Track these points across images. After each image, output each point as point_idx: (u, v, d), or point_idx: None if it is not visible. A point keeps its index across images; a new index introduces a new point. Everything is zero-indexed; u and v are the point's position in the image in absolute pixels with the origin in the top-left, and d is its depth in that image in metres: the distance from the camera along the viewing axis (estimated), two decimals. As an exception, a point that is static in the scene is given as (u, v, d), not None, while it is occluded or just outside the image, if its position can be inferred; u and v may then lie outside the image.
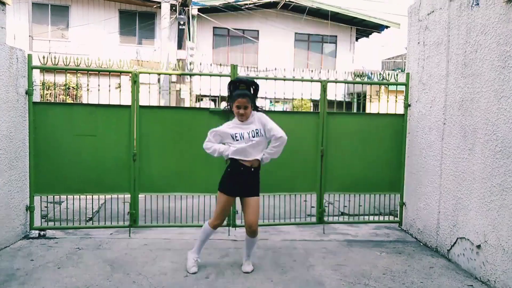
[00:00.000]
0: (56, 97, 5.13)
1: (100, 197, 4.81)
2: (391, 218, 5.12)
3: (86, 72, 4.28)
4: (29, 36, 9.57)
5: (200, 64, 4.58)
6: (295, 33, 17.81)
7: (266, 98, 5.14)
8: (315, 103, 13.22)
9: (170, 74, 4.63)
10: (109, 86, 4.27)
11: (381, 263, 3.70)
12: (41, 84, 4.32)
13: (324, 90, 4.62)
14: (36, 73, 4.24)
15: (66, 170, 4.21)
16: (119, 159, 4.28)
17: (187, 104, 12.85)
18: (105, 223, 4.50)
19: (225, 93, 4.64)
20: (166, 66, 4.25)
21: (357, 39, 19.19)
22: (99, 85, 4.26)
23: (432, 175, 4.16)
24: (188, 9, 13.83)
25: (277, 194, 4.62)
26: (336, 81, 4.64)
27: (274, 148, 3.24)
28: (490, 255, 3.23)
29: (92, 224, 4.62)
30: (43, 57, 4.18)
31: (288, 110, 11.52)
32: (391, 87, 5.03)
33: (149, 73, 4.43)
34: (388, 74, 4.86)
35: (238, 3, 15.48)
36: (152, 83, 4.43)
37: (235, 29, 17.09)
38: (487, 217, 3.28)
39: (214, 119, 4.34)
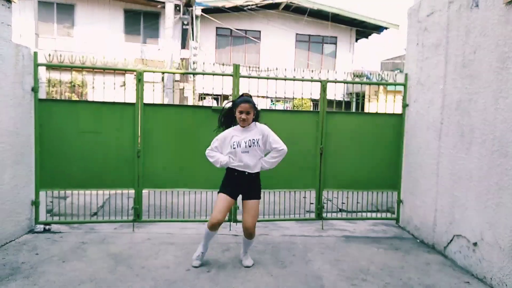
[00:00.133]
0: (62, 94, 5.21)
1: (104, 193, 4.87)
2: (389, 215, 5.19)
3: (92, 70, 4.36)
4: (35, 34, 9.63)
5: (203, 63, 4.66)
6: (296, 33, 17.89)
7: (267, 97, 5.22)
8: (315, 102, 13.28)
9: (174, 73, 4.70)
10: (114, 84, 4.34)
11: (378, 259, 3.76)
12: (46, 82, 4.39)
13: (324, 89, 4.70)
14: (42, 70, 4.31)
15: (71, 165, 4.29)
16: (123, 156, 4.36)
17: (190, 103, 12.93)
18: (109, 218, 4.58)
19: (227, 92, 4.73)
20: (170, 65, 4.32)
21: (356, 40, 19.25)
22: (104, 83, 4.34)
23: (429, 174, 4.23)
24: (192, 9, 13.91)
25: (277, 190, 4.69)
26: (335, 81, 4.72)
27: (273, 159, 3.36)
28: (486, 252, 3.29)
29: (97, 218, 4.69)
30: (49, 55, 4.26)
31: (288, 109, 11.60)
32: (390, 88, 5.11)
33: (154, 72, 4.50)
34: (387, 75, 4.93)
35: (241, 4, 15.55)
36: (156, 81, 4.50)
37: (237, 29, 17.17)
38: (483, 215, 3.34)
39: (216, 117, 4.40)
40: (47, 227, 4.30)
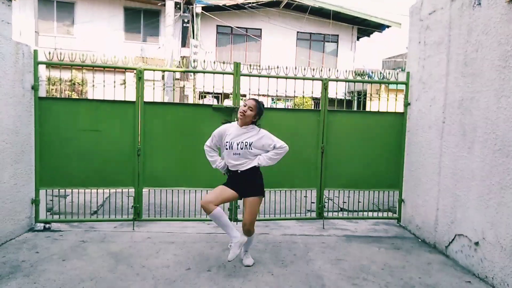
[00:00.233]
0: (62, 92, 5.19)
1: (104, 191, 4.87)
2: (390, 214, 5.17)
3: (92, 68, 4.34)
4: (35, 32, 9.60)
5: (204, 61, 4.63)
6: (297, 32, 17.87)
7: (268, 95, 5.19)
8: (316, 101, 13.26)
9: (174, 71, 4.68)
10: (114, 82, 4.33)
11: (379, 259, 3.75)
12: (46, 80, 4.38)
13: (325, 88, 4.68)
14: (42, 68, 4.30)
15: (71, 164, 4.27)
16: (123, 154, 4.35)
17: (190, 101, 12.92)
18: (109, 217, 4.57)
19: (227, 90, 4.71)
20: (170, 63, 4.29)
21: (358, 38, 19.22)
22: (104, 81, 4.32)
23: (431, 173, 4.21)
24: (192, 7, 13.88)
25: (278, 189, 4.68)
26: (337, 80, 4.69)
27: (275, 155, 3.33)
28: (488, 252, 3.28)
29: (97, 217, 4.68)
30: (49, 53, 4.24)
31: (289, 107, 11.58)
32: (391, 86, 5.09)
33: (154, 70, 4.49)
34: (389, 73, 4.91)
35: (242, 2, 15.51)
36: (156, 79, 4.49)
37: (238, 27, 17.14)
38: (485, 214, 3.33)
39: (217, 115, 4.41)
40: (47, 225, 4.29)
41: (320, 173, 4.69)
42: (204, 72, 4.53)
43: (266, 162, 3.32)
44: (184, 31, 12.79)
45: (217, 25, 17.16)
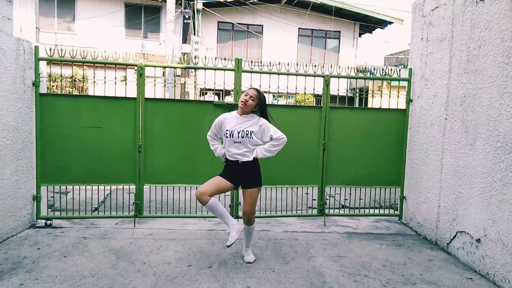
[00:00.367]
0: (63, 89, 5.19)
1: (105, 188, 4.87)
2: (391, 211, 5.17)
3: (93, 64, 4.33)
4: (36, 28, 9.60)
5: (205, 58, 4.61)
6: (299, 28, 17.80)
7: (269, 92, 5.18)
8: (318, 98, 13.22)
9: (175, 68, 4.66)
10: (115, 78, 4.32)
11: (380, 255, 3.75)
12: (47, 76, 4.37)
13: (327, 84, 4.66)
14: (42, 65, 4.29)
15: (72, 161, 4.27)
16: (124, 151, 4.34)
17: (191, 98, 12.90)
18: (110, 213, 4.58)
19: (229, 87, 4.69)
20: (171, 60, 4.28)
21: (360, 34, 19.15)
22: (105, 78, 4.31)
23: (433, 170, 4.20)
24: (193, 3, 13.83)
25: (279, 186, 4.68)
26: (339, 76, 4.67)
27: (274, 147, 3.30)
28: (489, 249, 3.27)
29: (98, 214, 4.69)
30: (50, 49, 4.23)
31: (291, 104, 11.56)
32: (393, 83, 5.07)
33: (155, 66, 4.47)
34: (391, 70, 4.89)
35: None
36: (157, 76, 4.47)
37: (239, 23, 17.09)
38: (487, 211, 3.32)
39: (218, 112, 4.39)
40: (48, 222, 4.30)
41: (322, 170, 4.69)
42: (205, 69, 4.52)
43: (263, 154, 3.29)
44: (185, 27, 12.75)
45: (218, 22, 17.11)
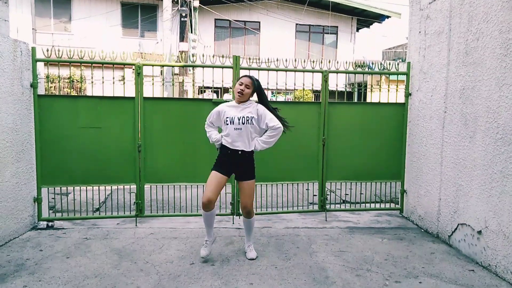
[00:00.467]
0: (61, 90, 5.18)
1: (106, 188, 4.87)
2: (392, 205, 5.18)
3: (90, 64, 4.32)
4: (32, 29, 9.57)
5: (203, 55, 4.60)
6: (296, 24, 17.75)
7: (268, 89, 5.17)
8: (316, 93, 13.23)
9: (173, 66, 4.65)
10: (113, 78, 4.31)
11: (382, 249, 3.76)
12: (45, 77, 4.36)
13: (325, 80, 4.65)
14: (40, 66, 4.27)
15: (72, 162, 4.27)
16: (124, 151, 4.34)
17: (190, 96, 12.88)
18: (111, 213, 4.58)
19: (227, 84, 4.68)
20: (169, 58, 4.25)
21: (358, 29, 19.10)
22: (103, 78, 4.30)
23: (433, 163, 4.20)
24: (190, 1, 13.78)
25: (280, 183, 4.68)
26: (337, 71, 4.66)
27: (270, 138, 3.33)
28: (491, 240, 3.28)
29: (99, 214, 4.69)
30: (47, 50, 4.22)
31: (290, 100, 11.54)
32: (392, 77, 5.06)
33: (153, 65, 4.46)
34: (389, 64, 4.88)
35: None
36: (155, 75, 4.46)
37: (236, 20, 17.04)
38: (488, 203, 3.33)
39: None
40: (50, 223, 4.30)
41: (322, 165, 4.69)
42: (203, 67, 4.51)
43: (262, 146, 3.35)
44: (182, 25, 12.71)
45: (215, 19, 17.05)
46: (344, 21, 18.07)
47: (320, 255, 3.59)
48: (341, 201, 5.42)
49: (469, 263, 3.47)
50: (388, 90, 4.93)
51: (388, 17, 18.09)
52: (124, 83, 4.39)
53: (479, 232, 3.43)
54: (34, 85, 4.13)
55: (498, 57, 3.22)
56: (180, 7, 12.84)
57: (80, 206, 4.59)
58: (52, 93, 5.38)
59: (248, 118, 3.28)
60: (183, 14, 12.63)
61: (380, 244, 3.91)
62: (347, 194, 5.03)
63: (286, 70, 4.61)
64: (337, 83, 4.84)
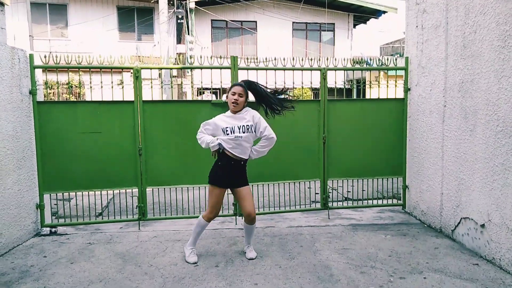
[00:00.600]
0: (60, 96, 5.18)
1: (108, 192, 4.87)
2: (395, 201, 5.18)
3: (88, 69, 4.32)
4: (30, 36, 9.59)
5: (201, 57, 4.60)
6: (293, 22, 17.72)
7: (266, 88, 5.16)
8: (315, 91, 13.21)
9: (171, 69, 4.65)
10: (112, 82, 4.31)
11: (386, 246, 3.76)
12: (44, 84, 4.36)
13: (324, 78, 4.65)
14: (38, 72, 4.28)
15: (74, 167, 4.27)
16: (125, 154, 4.34)
17: (189, 98, 12.88)
18: (114, 218, 4.59)
19: (225, 85, 4.68)
20: (167, 61, 4.27)
21: (354, 25, 19.07)
22: (101, 82, 4.30)
23: (434, 157, 4.20)
24: (186, 3, 13.77)
25: (282, 182, 4.67)
26: (335, 69, 4.66)
27: (263, 148, 3.39)
28: (494, 233, 3.28)
29: (102, 219, 4.69)
30: (45, 56, 4.22)
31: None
32: (391, 72, 5.05)
33: (151, 68, 4.46)
34: (387, 59, 4.87)
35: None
36: (153, 78, 4.46)
37: (233, 21, 17.02)
38: (490, 196, 3.32)
39: (216, 111, 4.37)
40: (53, 229, 4.31)
41: (323, 163, 4.68)
42: (201, 68, 4.51)
43: (255, 155, 3.42)
44: (179, 27, 12.69)
45: (212, 20, 17.03)
46: (341, 18, 18.04)
47: (324, 253, 3.59)
48: (343, 198, 5.42)
49: (473, 257, 3.47)
50: (387, 86, 4.92)
51: (384, 12, 18.05)
52: (122, 87, 4.39)
53: (482, 226, 3.43)
54: (33, 92, 4.14)
55: (496, 49, 3.22)
56: (176, 9, 12.83)
57: (83, 211, 4.59)
58: (51, 99, 5.39)
59: (248, 127, 3.29)
60: (179, 16, 12.61)
61: (384, 241, 3.91)
62: (349, 191, 5.03)
63: (284, 69, 4.60)
64: (336, 80, 4.83)
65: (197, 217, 4.61)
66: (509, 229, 3.09)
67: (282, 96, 3.54)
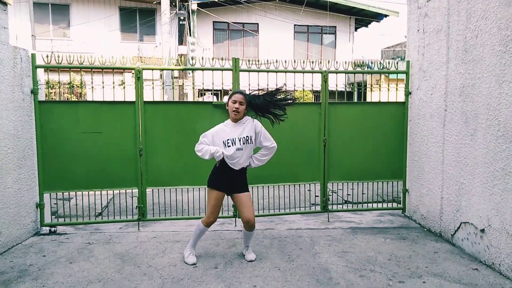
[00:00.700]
0: (61, 95, 5.18)
1: (108, 193, 4.87)
2: (395, 205, 5.18)
3: (90, 70, 4.33)
4: (32, 35, 9.61)
5: (202, 58, 4.61)
6: (294, 25, 17.75)
7: (268, 90, 5.17)
8: (316, 94, 13.23)
9: (173, 70, 4.66)
10: (113, 83, 4.31)
11: (385, 249, 3.75)
12: (45, 83, 4.37)
13: (325, 80, 4.66)
14: (40, 72, 4.29)
15: (74, 167, 4.28)
16: (125, 155, 4.34)
17: (190, 99, 12.88)
18: (114, 218, 4.59)
19: (227, 86, 4.69)
20: (168, 62, 4.27)
21: (356, 29, 19.10)
22: (103, 82, 4.31)
23: (435, 162, 4.20)
24: (188, 4, 13.81)
25: (282, 184, 4.67)
26: (336, 72, 4.67)
27: (264, 156, 3.42)
28: (494, 238, 3.27)
29: (102, 219, 4.69)
30: (47, 56, 4.23)
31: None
32: (391, 76, 5.06)
33: (152, 69, 4.46)
34: (388, 63, 4.88)
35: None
36: (155, 79, 4.47)
37: (235, 23, 17.06)
38: (490, 201, 3.32)
39: (217, 112, 4.40)
40: (52, 229, 4.31)
41: (323, 166, 4.69)
42: (203, 69, 4.52)
43: (256, 164, 3.44)
44: (181, 28, 12.72)
45: (214, 21, 17.07)
46: (342, 21, 18.08)
47: (323, 256, 3.58)
48: (343, 201, 5.41)
49: (473, 261, 3.46)
50: (388, 89, 4.93)
51: (386, 16, 18.09)
52: (124, 87, 4.39)
53: (482, 231, 3.42)
54: (34, 92, 4.15)
55: (498, 54, 3.22)
56: (178, 10, 12.87)
57: (83, 211, 4.59)
58: (52, 99, 5.39)
59: (248, 138, 3.30)
60: (182, 18, 12.64)
61: (383, 244, 3.90)
62: (349, 194, 5.03)
63: (285, 71, 4.61)
64: (337, 83, 4.84)
65: (197, 218, 4.63)
66: (509, 234, 3.09)
67: (279, 96, 3.51)
